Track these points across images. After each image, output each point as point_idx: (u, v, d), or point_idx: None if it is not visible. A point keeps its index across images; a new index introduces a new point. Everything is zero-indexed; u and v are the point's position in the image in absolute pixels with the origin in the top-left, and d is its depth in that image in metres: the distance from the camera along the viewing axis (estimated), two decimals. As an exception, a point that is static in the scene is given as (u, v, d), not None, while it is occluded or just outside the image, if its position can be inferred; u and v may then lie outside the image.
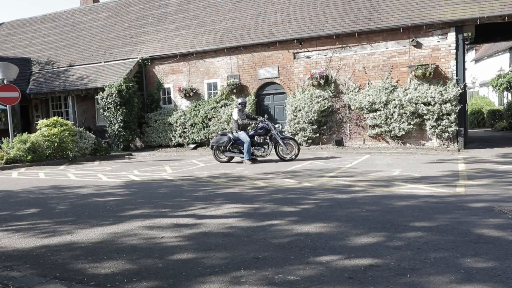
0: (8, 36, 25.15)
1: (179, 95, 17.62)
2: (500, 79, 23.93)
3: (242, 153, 11.58)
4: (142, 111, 18.20)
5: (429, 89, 13.16)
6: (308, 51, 15.25)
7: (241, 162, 11.73)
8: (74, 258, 3.95)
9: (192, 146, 16.97)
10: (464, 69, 13.89)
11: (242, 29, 16.83)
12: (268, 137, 11.62)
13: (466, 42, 14.37)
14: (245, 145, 11.43)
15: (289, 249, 3.96)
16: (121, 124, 16.95)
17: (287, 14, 16.36)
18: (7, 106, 14.42)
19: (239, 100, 12.06)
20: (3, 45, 24.32)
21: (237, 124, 11.76)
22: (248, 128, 12.23)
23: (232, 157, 12.07)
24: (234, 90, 16.33)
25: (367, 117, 14.15)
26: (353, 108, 14.42)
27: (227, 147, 11.80)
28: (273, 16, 16.65)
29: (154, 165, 12.29)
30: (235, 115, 11.85)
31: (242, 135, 11.60)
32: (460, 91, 13.07)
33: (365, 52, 14.44)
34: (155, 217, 5.50)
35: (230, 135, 11.83)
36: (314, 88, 14.95)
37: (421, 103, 13.16)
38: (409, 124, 13.52)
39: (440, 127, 13.14)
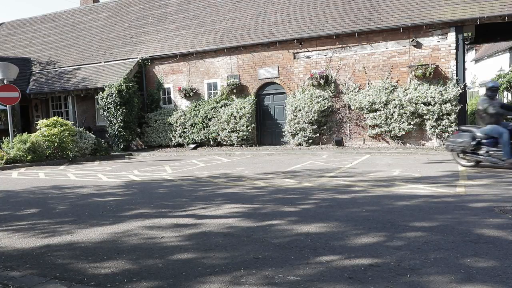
0: (8, 36, 25.15)
1: (179, 95, 17.62)
2: (500, 79, 23.91)
3: (492, 156, 8.54)
4: (142, 111, 18.20)
5: (429, 89, 13.16)
6: (308, 51, 15.25)
7: (493, 167, 8.84)
8: (74, 258, 3.95)
9: (192, 146, 16.96)
10: (464, 69, 13.88)
11: (242, 29, 16.83)
12: None
13: (466, 42, 14.36)
14: (502, 140, 8.33)
15: (289, 249, 3.96)
16: (121, 124, 16.95)
17: (287, 14, 16.36)
18: (7, 106, 14.42)
19: (490, 84, 8.82)
20: (3, 45, 24.32)
21: (487, 115, 8.61)
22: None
23: (479, 161, 8.93)
24: (234, 90, 16.33)
25: (367, 117, 14.15)
26: (353, 108, 14.42)
27: (469, 149, 8.84)
28: (273, 16, 16.65)
29: (154, 165, 12.29)
30: (484, 104, 8.67)
31: (495, 129, 8.48)
32: (460, 91, 13.07)
33: (365, 52, 14.44)
34: (155, 217, 5.50)
35: (474, 129, 8.89)
36: (314, 88, 14.95)
37: (421, 103, 13.16)
38: (409, 124, 13.52)
39: (440, 127, 13.14)
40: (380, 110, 13.82)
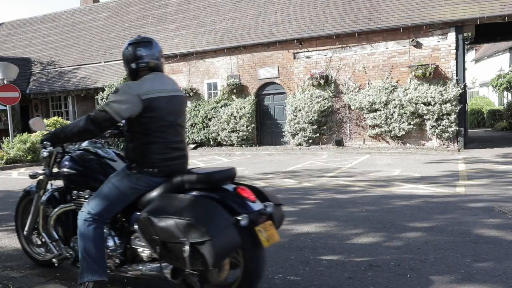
0: (8, 36, 25.14)
1: (179, 95, 17.59)
2: (500, 79, 23.93)
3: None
4: (142, 111, 18.17)
5: (429, 89, 13.16)
6: (308, 51, 15.24)
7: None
8: (74, 258, 3.94)
9: (192, 146, 16.96)
10: (464, 69, 13.89)
11: (242, 29, 16.83)
12: None
13: (466, 42, 14.36)
14: None
15: (289, 249, 3.96)
16: (121, 124, 16.93)
17: (287, 14, 16.36)
18: (7, 106, 14.41)
19: None
20: (3, 45, 24.32)
21: None
22: None
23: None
24: (234, 90, 16.33)
25: (367, 117, 14.14)
26: (353, 108, 14.41)
27: None
28: (273, 16, 16.64)
29: (154, 165, 12.27)
30: None
31: None
32: (460, 91, 13.06)
33: (365, 52, 14.43)
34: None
35: None
36: (314, 88, 14.94)
37: (421, 103, 13.15)
38: (409, 124, 13.51)
39: (440, 127, 13.13)
40: (380, 110, 13.81)
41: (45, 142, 2.99)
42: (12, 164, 13.09)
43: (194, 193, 2.58)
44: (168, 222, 2.37)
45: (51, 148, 3.07)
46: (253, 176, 9.16)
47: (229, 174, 2.67)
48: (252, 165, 11.29)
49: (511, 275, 3.18)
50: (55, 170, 3.26)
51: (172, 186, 2.66)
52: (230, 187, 2.60)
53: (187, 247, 2.31)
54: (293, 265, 3.53)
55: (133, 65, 2.77)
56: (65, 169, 3.11)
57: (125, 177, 2.74)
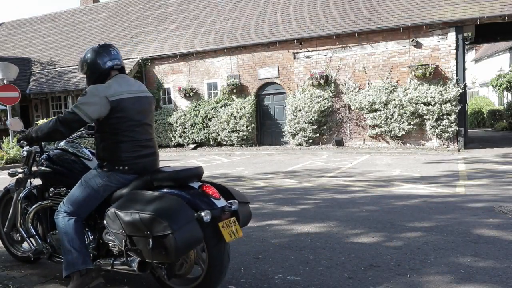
0: (8, 36, 25.15)
1: (179, 95, 17.62)
2: (500, 79, 23.93)
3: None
4: (142, 111, 18.15)
5: (429, 89, 13.16)
6: (308, 51, 15.24)
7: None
8: (74, 258, 3.93)
9: (192, 146, 16.96)
10: (464, 69, 13.88)
11: (242, 29, 16.83)
12: None
13: (466, 42, 14.36)
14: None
15: (289, 249, 3.96)
16: (121, 124, 16.91)
17: (287, 14, 16.36)
18: (7, 106, 14.40)
19: None
20: (3, 45, 24.31)
21: None
22: None
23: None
24: (234, 90, 16.33)
25: (367, 117, 14.14)
26: (353, 108, 14.41)
27: None
28: (273, 16, 16.64)
29: (154, 165, 12.26)
30: None
31: None
32: (460, 91, 13.06)
33: (365, 52, 14.43)
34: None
35: None
36: (314, 88, 14.94)
37: (421, 103, 13.15)
38: (409, 124, 13.51)
39: (440, 127, 13.13)
40: (380, 110, 13.81)
41: (22, 142, 3.17)
42: (12, 164, 13.08)
43: (161, 190, 2.72)
44: (133, 217, 2.51)
45: (28, 147, 3.29)
46: (253, 176, 9.16)
47: (195, 173, 2.84)
48: (252, 165, 11.29)
49: (511, 275, 3.18)
50: (34, 168, 3.41)
51: (141, 183, 2.81)
52: (196, 184, 2.76)
53: (150, 240, 2.45)
54: (293, 265, 3.53)
55: (108, 64, 2.90)
56: (41, 167, 3.30)
57: (97, 175, 2.89)
